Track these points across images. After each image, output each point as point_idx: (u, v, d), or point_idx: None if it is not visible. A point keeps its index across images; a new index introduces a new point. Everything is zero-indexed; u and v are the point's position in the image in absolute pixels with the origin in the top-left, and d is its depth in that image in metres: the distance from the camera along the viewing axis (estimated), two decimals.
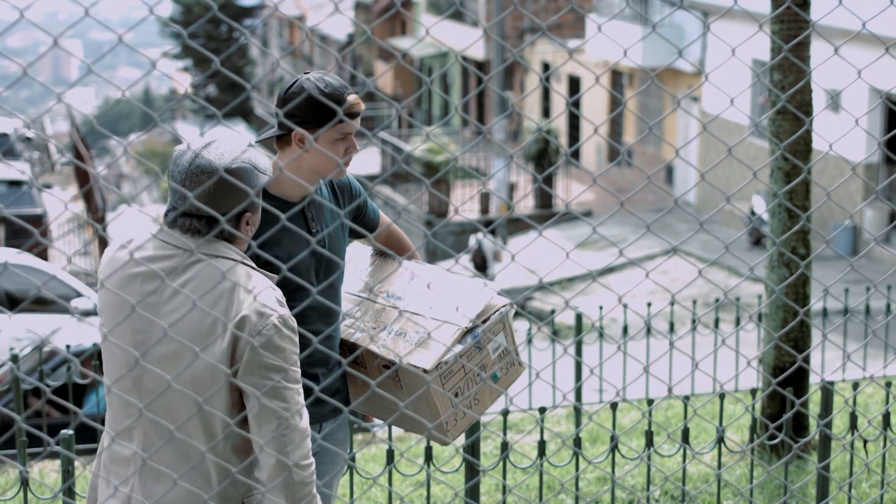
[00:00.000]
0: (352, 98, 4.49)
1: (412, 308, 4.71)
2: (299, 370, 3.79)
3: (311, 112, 4.44)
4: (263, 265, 4.18)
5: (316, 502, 3.81)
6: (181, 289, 3.71)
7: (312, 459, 3.79)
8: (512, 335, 4.76)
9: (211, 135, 3.80)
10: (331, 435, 4.73)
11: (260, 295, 3.71)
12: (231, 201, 3.73)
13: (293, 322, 3.76)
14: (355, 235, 5.02)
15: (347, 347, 4.78)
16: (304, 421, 3.76)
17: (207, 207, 3.67)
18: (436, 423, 4.52)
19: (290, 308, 3.87)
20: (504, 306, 4.71)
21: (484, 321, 4.65)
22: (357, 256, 5.17)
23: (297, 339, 3.78)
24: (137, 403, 3.77)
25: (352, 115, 4.49)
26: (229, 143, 3.77)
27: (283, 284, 4.17)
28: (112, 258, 3.84)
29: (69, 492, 5.56)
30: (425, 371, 4.43)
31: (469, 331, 4.59)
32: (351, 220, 4.90)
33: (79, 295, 13.86)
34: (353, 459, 5.92)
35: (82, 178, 29.77)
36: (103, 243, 25.33)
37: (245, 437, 3.79)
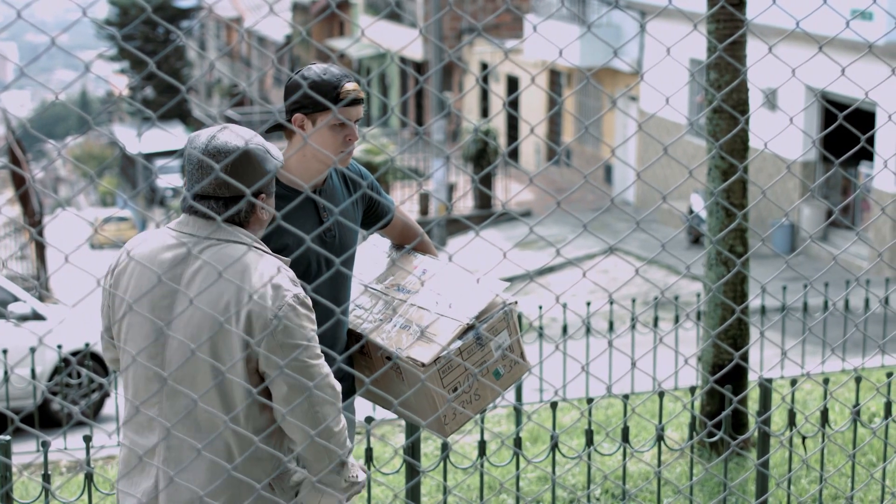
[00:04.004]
0: (350, 85, 4.59)
1: (419, 302, 4.75)
2: (318, 345, 3.83)
3: (308, 96, 4.52)
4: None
5: (353, 462, 3.92)
6: (193, 276, 3.75)
7: (345, 422, 3.86)
8: (517, 333, 4.76)
9: (222, 123, 3.87)
10: None
11: (273, 276, 3.76)
12: (246, 182, 3.78)
13: (308, 300, 3.81)
14: (369, 225, 5.06)
15: (355, 337, 4.84)
16: (332, 391, 3.82)
17: (224, 186, 3.74)
18: (433, 416, 4.55)
19: None
20: (508, 304, 4.72)
21: (487, 318, 4.67)
22: (375, 247, 5.22)
23: (313, 315, 3.84)
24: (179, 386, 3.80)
25: (351, 101, 4.59)
26: (241, 129, 3.84)
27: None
28: (136, 255, 3.86)
29: (6, 497, 5.50)
30: (423, 365, 4.45)
31: (471, 327, 4.60)
32: (364, 210, 4.96)
33: (15, 299, 13.70)
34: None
35: (18, 181, 29.47)
36: (40, 247, 25.09)
37: (270, 420, 3.83)
